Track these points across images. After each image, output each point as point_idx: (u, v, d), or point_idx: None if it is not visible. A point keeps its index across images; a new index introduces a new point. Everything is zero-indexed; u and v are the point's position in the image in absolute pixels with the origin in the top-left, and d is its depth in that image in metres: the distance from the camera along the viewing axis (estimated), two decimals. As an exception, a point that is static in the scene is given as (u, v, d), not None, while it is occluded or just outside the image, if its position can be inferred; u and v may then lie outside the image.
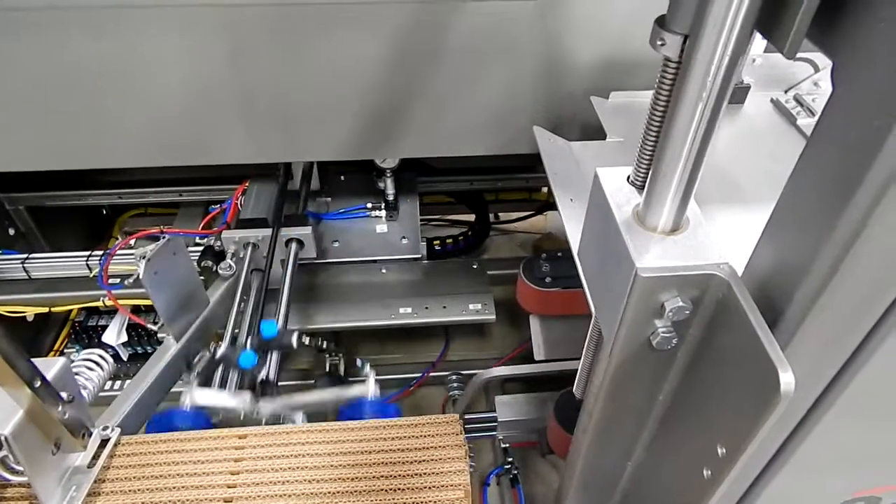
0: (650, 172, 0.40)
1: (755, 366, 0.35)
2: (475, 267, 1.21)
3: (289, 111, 0.97)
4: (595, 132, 0.92)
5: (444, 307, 1.13)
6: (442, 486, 0.56)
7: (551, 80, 0.98)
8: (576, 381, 0.58)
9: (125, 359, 1.10)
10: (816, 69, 1.00)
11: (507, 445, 1.07)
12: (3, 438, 0.51)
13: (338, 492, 0.56)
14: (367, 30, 0.89)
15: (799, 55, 1.14)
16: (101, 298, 1.02)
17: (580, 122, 1.04)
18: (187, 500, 0.57)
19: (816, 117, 0.92)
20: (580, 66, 0.97)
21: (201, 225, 1.16)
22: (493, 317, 1.13)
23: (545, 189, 1.42)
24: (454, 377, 1.18)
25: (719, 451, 0.39)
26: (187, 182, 1.25)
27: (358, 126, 1.01)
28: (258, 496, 0.56)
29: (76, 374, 0.63)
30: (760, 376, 0.35)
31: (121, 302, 1.01)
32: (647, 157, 0.41)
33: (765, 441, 0.37)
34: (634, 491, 0.55)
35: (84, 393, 0.62)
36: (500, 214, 1.54)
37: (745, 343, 0.36)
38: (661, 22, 0.37)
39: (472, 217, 1.40)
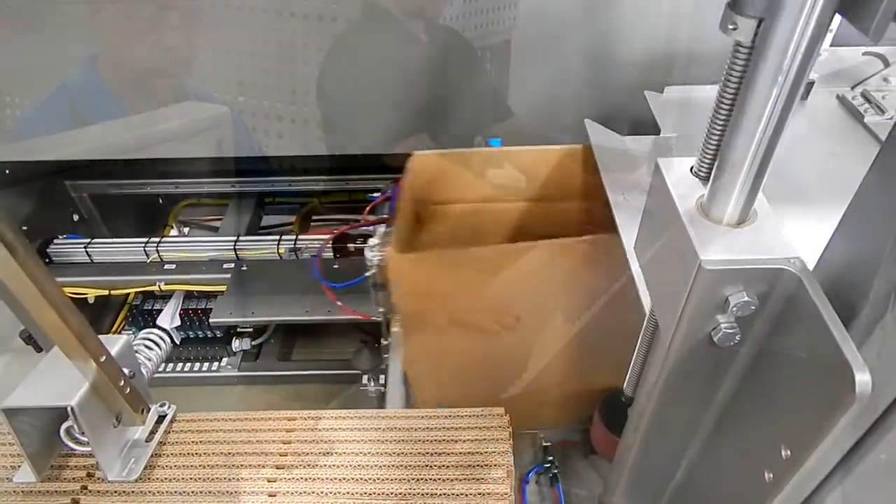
0: (716, 162, 0.39)
1: (827, 365, 0.34)
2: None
3: (336, 106, 0.99)
4: (646, 127, 0.90)
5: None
6: (485, 466, 0.58)
7: (599, 74, 0.96)
8: (626, 379, 0.56)
9: (178, 342, 1.14)
10: (886, 64, 0.95)
11: (548, 444, 1.06)
12: (70, 409, 0.53)
13: (383, 465, 0.59)
14: (412, 25, 0.89)
15: (867, 49, 1.08)
16: (157, 283, 1.06)
17: (630, 117, 1.01)
18: (238, 475, 0.59)
19: (886, 115, 0.88)
20: (629, 59, 0.95)
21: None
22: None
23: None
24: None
25: (783, 453, 0.38)
26: (240, 173, 1.28)
27: (403, 120, 1.01)
28: (306, 465, 0.59)
29: (136, 351, 0.65)
30: (833, 376, 0.33)
31: (175, 287, 1.05)
32: (713, 147, 0.40)
33: (832, 444, 0.35)
34: (687, 493, 0.54)
35: (143, 370, 0.64)
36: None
37: (816, 341, 0.34)
38: (732, 5, 0.35)
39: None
